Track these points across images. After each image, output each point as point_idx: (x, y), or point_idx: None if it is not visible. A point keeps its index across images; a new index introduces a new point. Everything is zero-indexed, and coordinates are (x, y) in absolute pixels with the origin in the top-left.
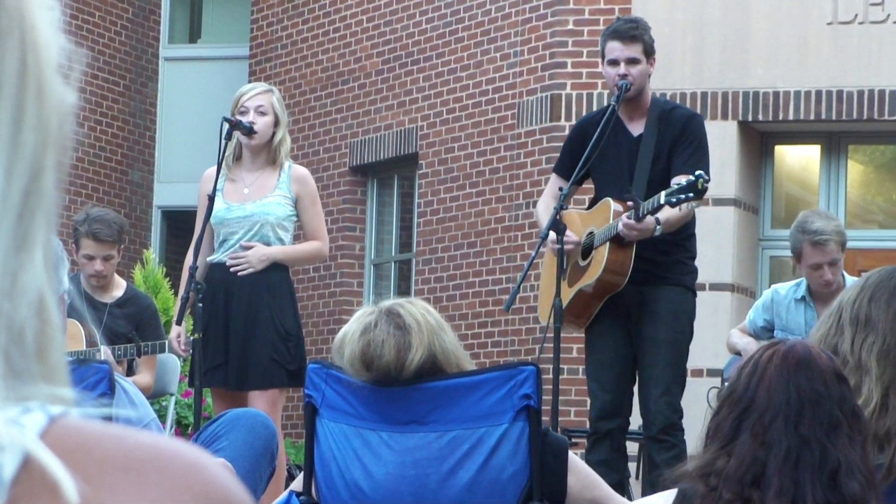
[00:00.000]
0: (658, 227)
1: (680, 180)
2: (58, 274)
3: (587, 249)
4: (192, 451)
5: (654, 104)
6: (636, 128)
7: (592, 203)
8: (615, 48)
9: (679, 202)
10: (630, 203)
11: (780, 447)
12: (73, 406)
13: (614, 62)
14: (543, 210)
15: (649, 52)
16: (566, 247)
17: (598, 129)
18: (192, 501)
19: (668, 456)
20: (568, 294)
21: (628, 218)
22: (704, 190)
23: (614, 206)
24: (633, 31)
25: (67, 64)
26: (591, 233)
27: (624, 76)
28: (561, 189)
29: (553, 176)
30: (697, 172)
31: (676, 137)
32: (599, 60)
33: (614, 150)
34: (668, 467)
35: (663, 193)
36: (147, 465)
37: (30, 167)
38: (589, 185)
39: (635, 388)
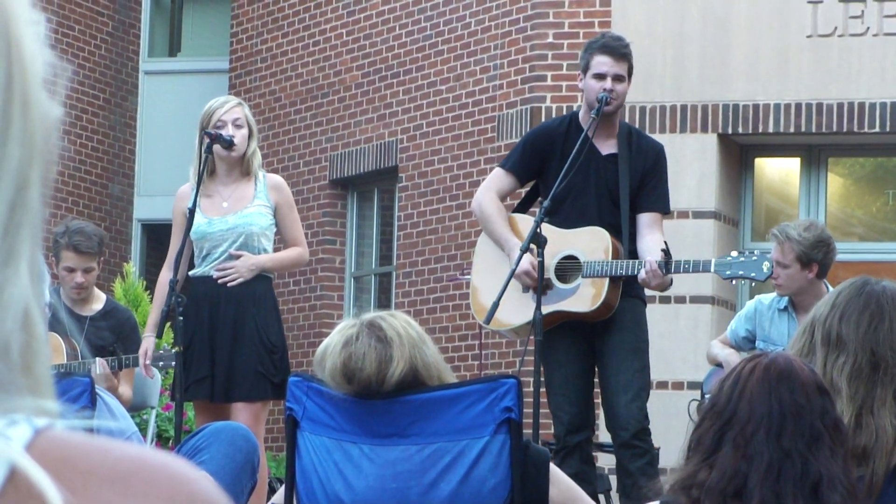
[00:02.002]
0: (671, 284)
1: (737, 258)
2: (40, 287)
3: (569, 272)
4: (176, 463)
5: (621, 126)
6: (604, 147)
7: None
8: (605, 62)
9: (733, 277)
10: (662, 252)
11: (761, 460)
12: (58, 418)
13: (601, 76)
14: (494, 209)
15: (631, 74)
16: (531, 271)
17: (577, 145)
18: None
19: (641, 463)
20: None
21: (659, 267)
22: (770, 274)
23: (612, 241)
24: (623, 50)
25: (52, 78)
26: (571, 256)
27: (610, 91)
28: (541, 202)
29: (498, 171)
30: (764, 259)
31: (648, 169)
32: (579, 73)
33: (579, 164)
34: (643, 474)
35: (713, 263)
36: (132, 477)
37: (15, 180)
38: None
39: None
